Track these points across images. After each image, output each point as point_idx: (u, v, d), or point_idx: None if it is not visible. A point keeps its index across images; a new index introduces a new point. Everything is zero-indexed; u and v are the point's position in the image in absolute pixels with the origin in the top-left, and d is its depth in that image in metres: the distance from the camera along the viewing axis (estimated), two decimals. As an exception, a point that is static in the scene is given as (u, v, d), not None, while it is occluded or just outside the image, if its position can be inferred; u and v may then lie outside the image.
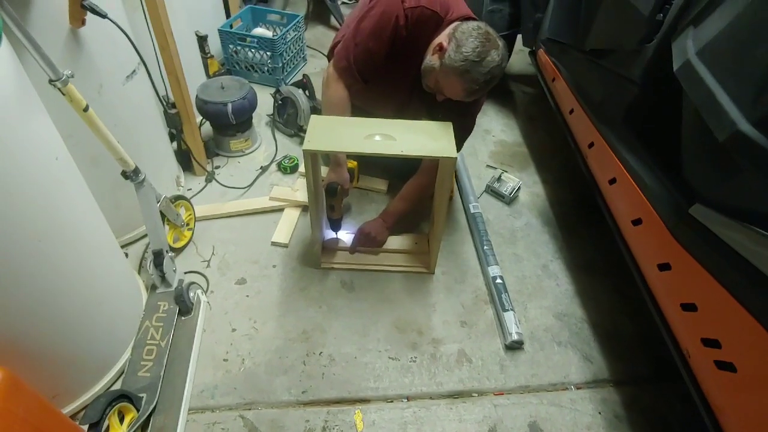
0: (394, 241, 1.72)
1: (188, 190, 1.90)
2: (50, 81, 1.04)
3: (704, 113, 0.93)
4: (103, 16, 1.21)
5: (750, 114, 0.81)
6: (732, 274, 0.92)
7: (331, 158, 1.65)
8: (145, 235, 1.65)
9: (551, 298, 1.63)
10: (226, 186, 1.90)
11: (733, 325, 0.92)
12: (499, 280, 1.60)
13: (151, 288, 1.44)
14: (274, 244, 1.72)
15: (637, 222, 1.26)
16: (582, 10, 1.74)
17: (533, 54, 2.25)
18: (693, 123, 1.05)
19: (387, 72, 1.52)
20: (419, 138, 1.34)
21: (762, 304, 0.86)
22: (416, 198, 1.71)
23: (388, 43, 1.43)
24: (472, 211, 1.85)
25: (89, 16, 1.21)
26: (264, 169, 2.00)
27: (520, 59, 2.85)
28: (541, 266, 1.73)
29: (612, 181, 1.40)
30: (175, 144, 1.90)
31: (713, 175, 1.01)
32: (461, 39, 1.32)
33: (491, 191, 1.99)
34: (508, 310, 1.51)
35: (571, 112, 1.74)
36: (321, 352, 1.43)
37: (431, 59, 1.41)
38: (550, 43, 1.99)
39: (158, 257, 1.39)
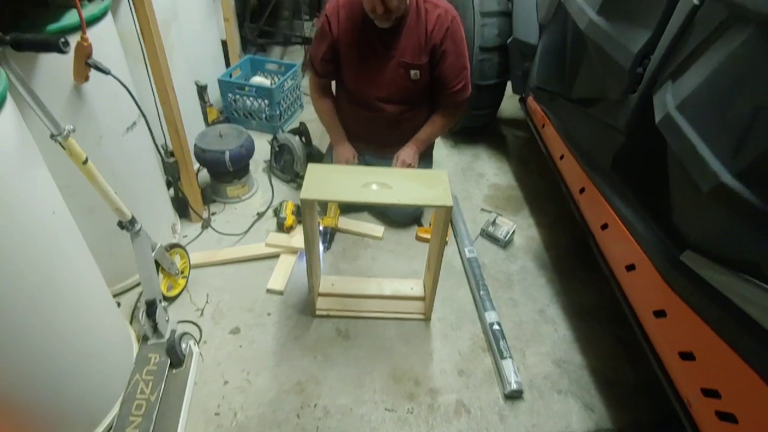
0: (390, 287, 1.72)
1: (184, 237, 1.90)
2: (52, 136, 1.07)
3: (687, 165, 0.95)
4: (107, 72, 1.25)
5: (731, 166, 0.84)
6: (726, 322, 0.92)
7: (332, 142, 2.02)
8: (139, 284, 1.64)
9: (549, 344, 1.61)
10: (221, 233, 1.91)
11: (731, 375, 0.91)
12: (496, 327, 1.58)
13: (143, 339, 1.42)
14: (269, 291, 1.71)
15: (630, 267, 1.27)
16: (567, 61, 1.81)
17: (523, 101, 2.32)
18: (678, 172, 1.08)
19: (355, 61, 1.81)
20: (415, 186, 1.36)
21: (758, 354, 0.85)
22: (444, 128, 1.98)
23: (327, 39, 1.77)
24: (468, 255, 1.86)
25: (92, 72, 1.25)
26: (260, 215, 2.02)
27: (510, 104, 2.94)
28: (538, 311, 1.72)
29: (604, 227, 1.42)
30: (171, 191, 1.92)
31: (701, 222, 1.02)
32: None
33: (486, 235, 2.00)
34: (506, 358, 1.49)
35: (562, 157, 1.78)
36: (315, 404, 1.39)
37: None
38: (538, 91, 2.06)
39: (151, 307, 1.37)
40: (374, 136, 1.99)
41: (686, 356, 1.03)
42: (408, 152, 1.92)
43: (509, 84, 2.47)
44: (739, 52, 0.87)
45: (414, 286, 1.72)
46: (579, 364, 1.55)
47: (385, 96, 1.86)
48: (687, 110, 0.99)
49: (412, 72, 1.79)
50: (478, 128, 2.64)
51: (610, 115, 1.43)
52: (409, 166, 1.90)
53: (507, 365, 1.47)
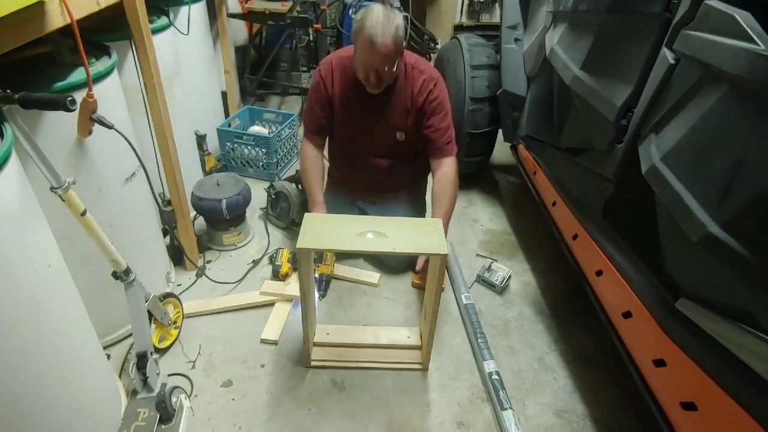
0: (386, 336, 1.69)
1: (178, 285, 1.88)
2: (52, 188, 1.08)
3: (675, 215, 0.98)
4: (110, 127, 1.28)
5: (717, 217, 0.86)
6: (726, 371, 0.91)
7: (309, 203, 1.93)
8: (129, 335, 1.60)
9: (550, 393, 1.57)
10: (216, 281, 1.89)
11: (734, 426, 0.90)
12: (495, 376, 1.55)
13: (132, 393, 1.37)
14: (263, 341, 1.67)
15: (627, 315, 1.26)
16: (555, 112, 1.88)
17: (514, 148, 2.39)
18: (668, 220, 1.10)
19: (347, 121, 1.87)
20: (410, 234, 1.37)
21: (760, 404, 0.84)
22: (453, 203, 1.86)
23: (323, 97, 1.84)
24: (465, 302, 1.85)
25: (96, 126, 1.28)
26: (255, 262, 2.01)
27: (503, 150, 3.00)
28: (537, 359, 1.69)
29: (598, 273, 1.43)
30: (167, 239, 1.92)
31: (693, 270, 1.04)
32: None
33: (482, 281, 2.00)
34: (506, 409, 1.45)
35: (554, 204, 1.81)
36: (310, 462, 1.34)
37: None
38: (528, 140, 2.13)
39: (142, 360, 1.34)
40: (366, 183, 2.05)
41: (688, 407, 1.01)
42: None
43: (501, 131, 2.54)
44: (715, 108, 0.91)
45: (410, 335, 1.70)
46: (581, 414, 1.51)
47: (374, 153, 1.94)
48: (671, 162, 1.03)
49: (398, 134, 1.87)
50: (471, 174, 2.70)
51: (598, 164, 1.48)
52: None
53: (507, 417, 1.43)
